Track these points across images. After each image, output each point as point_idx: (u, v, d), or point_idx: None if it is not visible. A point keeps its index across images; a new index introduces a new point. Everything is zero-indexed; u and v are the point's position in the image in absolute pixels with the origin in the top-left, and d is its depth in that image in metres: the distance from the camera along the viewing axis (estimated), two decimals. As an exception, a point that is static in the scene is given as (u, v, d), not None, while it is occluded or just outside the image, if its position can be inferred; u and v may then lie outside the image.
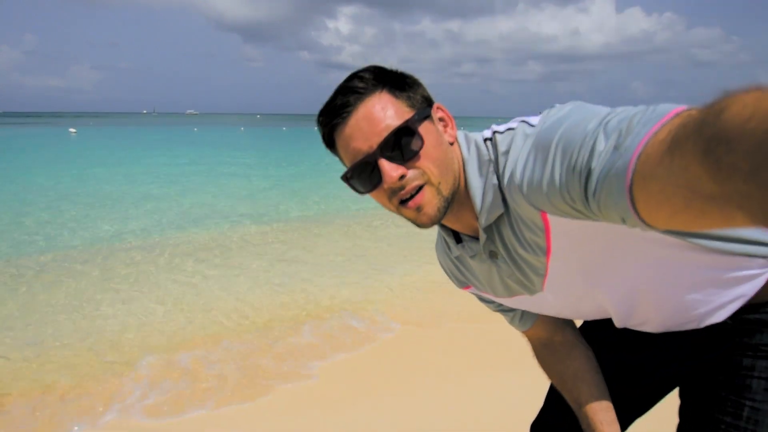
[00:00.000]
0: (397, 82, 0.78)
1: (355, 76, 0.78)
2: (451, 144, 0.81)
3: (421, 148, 0.75)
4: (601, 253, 0.79)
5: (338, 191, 9.85)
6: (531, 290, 0.89)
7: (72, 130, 41.79)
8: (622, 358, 1.03)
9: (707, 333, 0.89)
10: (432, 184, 0.76)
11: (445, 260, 1.02)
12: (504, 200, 0.78)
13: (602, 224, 0.70)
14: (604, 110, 0.64)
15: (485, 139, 0.82)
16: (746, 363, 0.87)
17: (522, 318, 1.04)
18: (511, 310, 1.04)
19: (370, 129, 0.75)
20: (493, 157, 0.79)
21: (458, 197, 0.81)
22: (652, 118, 0.54)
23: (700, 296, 0.83)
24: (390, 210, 0.80)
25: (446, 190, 0.78)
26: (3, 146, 24.35)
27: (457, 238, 0.92)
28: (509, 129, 0.78)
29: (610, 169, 0.55)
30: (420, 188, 0.76)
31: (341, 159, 0.81)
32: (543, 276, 0.84)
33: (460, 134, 0.84)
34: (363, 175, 0.77)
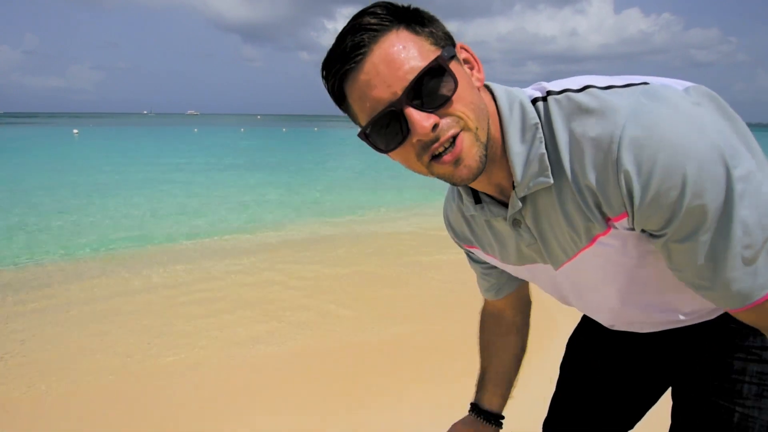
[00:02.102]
0: (415, 17, 0.66)
1: (366, 12, 0.65)
2: (479, 89, 0.71)
3: (454, 90, 0.64)
4: (634, 265, 0.77)
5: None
6: (546, 263, 0.84)
7: (75, 131, 42.28)
8: (614, 362, 1.05)
9: (699, 332, 0.89)
10: (470, 130, 0.66)
11: (454, 215, 0.94)
12: (554, 171, 0.70)
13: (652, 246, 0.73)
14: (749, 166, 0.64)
15: (534, 100, 0.72)
16: (737, 366, 0.86)
17: (500, 290, 1.05)
18: (497, 278, 1.03)
19: (391, 73, 0.62)
20: (545, 120, 0.70)
21: (491, 149, 0.70)
22: None
23: (691, 295, 0.80)
24: (415, 170, 0.70)
25: (484, 137, 0.67)
26: (15, 146, 24.46)
27: (476, 197, 0.83)
28: (587, 88, 0.68)
29: (738, 281, 0.66)
30: (454, 138, 0.65)
31: (354, 115, 0.69)
32: (567, 259, 0.79)
33: (499, 87, 0.74)
34: (386, 129, 0.65)
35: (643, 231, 0.69)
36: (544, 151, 0.70)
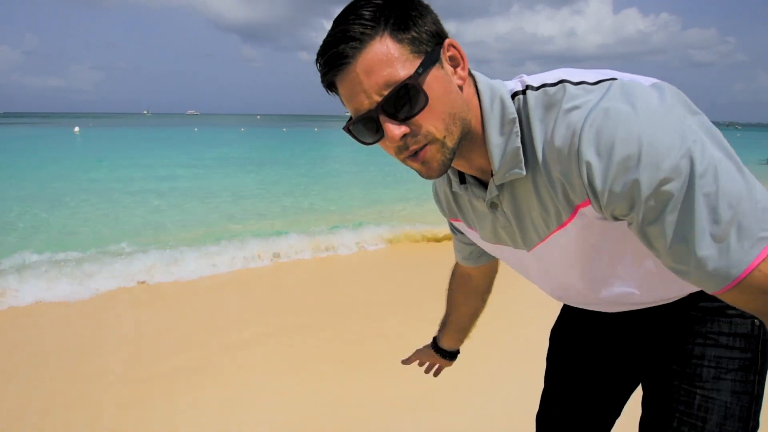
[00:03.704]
0: (402, 17, 0.69)
1: (356, 11, 0.69)
2: (461, 87, 0.75)
3: (425, 106, 0.70)
4: (601, 248, 0.82)
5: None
6: (518, 246, 0.90)
7: (76, 129, 42.34)
8: (593, 349, 1.12)
9: (663, 318, 0.95)
10: (437, 141, 0.72)
11: (442, 190, 1.01)
12: (528, 162, 0.76)
13: (620, 230, 0.77)
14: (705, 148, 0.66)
15: (514, 94, 0.77)
16: (697, 351, 0.91)
17: (478, 260, 1.16)
18: (478, 249, 1.12)
19: (370, 84, 0.68)
20: (523, 114, 0.76)
21: (471, 139, 0.78)
22: (763, 226, 0.66)
23: (657, 279, 0.86)
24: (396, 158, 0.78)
25: (452, 142, 0.74)
26: (19, 146, 24.54)
27: (462, 177, 0.90)
28: (562, 83, 0.73)
29: (710, 259, 0.66)
30: (425, 145, 0.72)
31: (342, 103, 0.75)
32: (540, 240, 0.85)
33: (483, 81, 0.78)
34: (366, 128, 0.73)
35: (615, 218, 0.73)
36: (519, 144, 0.76)
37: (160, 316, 4.00)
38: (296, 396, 2.70)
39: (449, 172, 0.91)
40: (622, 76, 0.73)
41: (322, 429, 2.43)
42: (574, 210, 0.76)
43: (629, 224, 0.72)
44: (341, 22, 0.70)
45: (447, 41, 0.73)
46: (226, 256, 5.34)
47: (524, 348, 3.09)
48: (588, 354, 1.13)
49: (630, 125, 0.65)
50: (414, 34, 0.70)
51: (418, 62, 0.69)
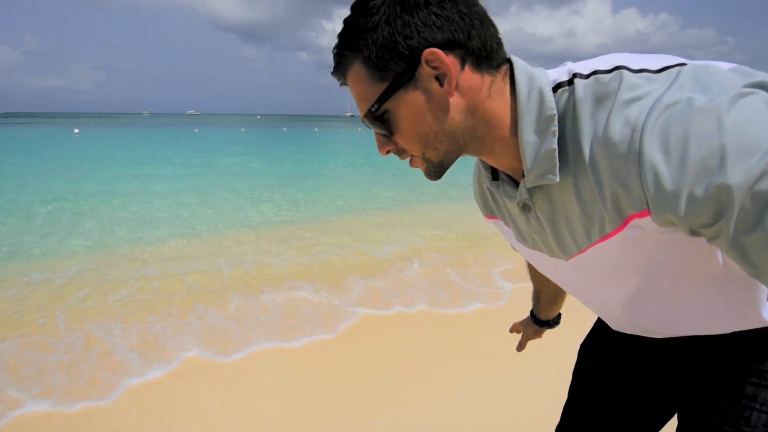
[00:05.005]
0: (375, 43, 0.65)
1: (345, 26, 0.69)
2: (451, 97, 0.67)
3: (393, 131, 0.70)
4: (651, 268, 0.73)
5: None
6: (553, 254, 0.82)
7: (76, 130, 42.44)
8: (626, 371, 1.02)
9: (714, 347, 0.83)
10: (417, 156, 0.72)
11: (478, 185, 0.95)
12: (570, 163, 0.67)
13: (674, 240, 0.66)
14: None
15: (558, 86, 0.68)
16: (749, 391, 0.80)
17: None
18: None
19: (357, 97, 0.71)
20: (569, 108, 0.66)
21: (492, 139, 0.71)
22: None
23: (719, 308, 0.77)
24: None
25: (436, 156, 0.71)
26: (23, 146, 24.48)
27: (495, 172, 0.83)
28: (618, 69, 0.63)
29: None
30: (411, 157, 0.73)
31: None
32: (578, 252, 0.76)
33: (522, 69, 0.70)
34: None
35: (693, 233, 0.61)
36: (555, 146, 0.67)
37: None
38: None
39: (481, 166, 0.86)
40: (693, 63, 0.63)
41: None
42: (624, 221, 0.65)
43: (712, 238, 0.59)
44: (341, 30, 0.70)
45: (428, 52, 0.64)
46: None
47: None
48: (617, 377, 1.03)
49: (707, 117, 0.54)
50: (386, 57, 0.65)
51: (381, 93, 0.67)
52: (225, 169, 15.59)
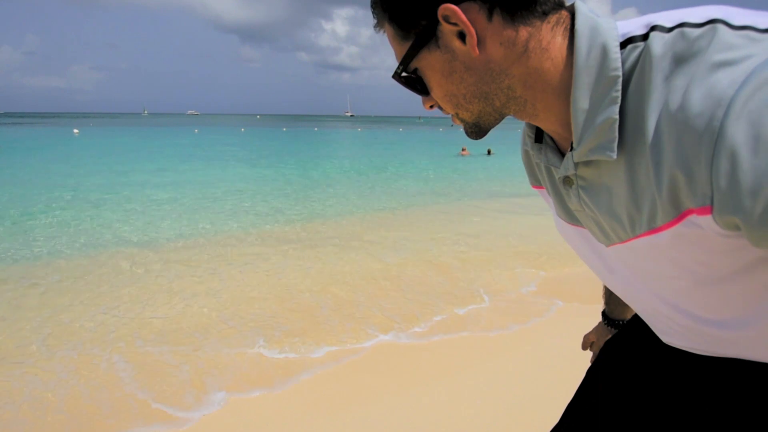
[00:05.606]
0: (396, 1, 0.62)
1: None
2: (476, 54, 0.60)
3: (425, 92, 0.68)
4: (705, 277, 0.59)
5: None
6: (595, 235, 0.70)
7: (75, 130, 42.48)
8: (653, 382, 0.86)
9: (758, 371, 0.67)
10: (451, 113, 0.68)
11: (524, 152, 0.83)
12: (628, 138, 0.55)
13: (743, 247, 0.54)
14: None
15: (628, 40, 0.55)
16: None
17: None
18: None
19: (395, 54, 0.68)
20: (638, 69, 0.53)
21: (540, 101, 0.62)
22: None
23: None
24: None
25: (470, 118, 0.66)
26: (25, 146, 24.36)
27: (540, 133, 0.73)
28: (713, 23, 0.50)
29: None
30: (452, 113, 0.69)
31: None
32: (619, 242, 0.65)
33: (585, 19, 0.58)
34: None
35: (758, 245, 0.50)
36: (617, 116, 0.55)
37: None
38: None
39: (526, 126, 0.75)
40: None
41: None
42: (679, 214, 0.53)
43: None
44: None
45: (441, 10, 0.58)
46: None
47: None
48: (639, 386, 0.88)
49: None
50: (406, 15, 0.62)
51: (408, 47, 0.64)
52: (231, 171, 15.49)
